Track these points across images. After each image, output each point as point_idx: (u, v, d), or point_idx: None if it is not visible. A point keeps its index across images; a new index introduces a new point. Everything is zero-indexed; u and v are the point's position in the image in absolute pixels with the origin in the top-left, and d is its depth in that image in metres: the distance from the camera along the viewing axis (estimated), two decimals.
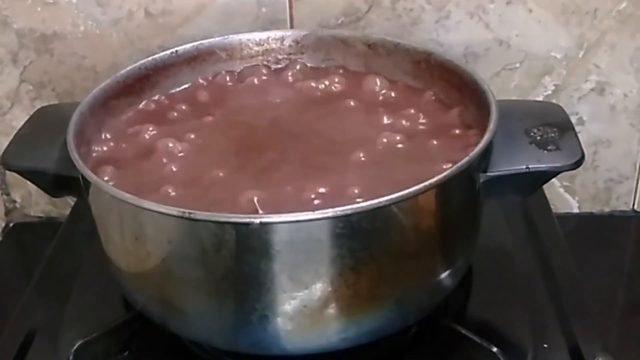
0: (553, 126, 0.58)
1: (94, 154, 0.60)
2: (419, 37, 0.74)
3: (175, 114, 0.65)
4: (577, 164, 0.55)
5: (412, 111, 0.63)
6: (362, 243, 0.50)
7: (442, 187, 0.51)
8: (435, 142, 0.59)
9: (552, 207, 0.75)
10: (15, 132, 0.62)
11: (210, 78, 0.69)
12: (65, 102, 0.76)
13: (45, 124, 0.63)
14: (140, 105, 0.66)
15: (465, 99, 0.62)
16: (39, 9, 0.74)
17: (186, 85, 0.69)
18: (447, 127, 0.61)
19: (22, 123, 0.64)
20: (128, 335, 0.60)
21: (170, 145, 0.60)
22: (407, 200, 0.49)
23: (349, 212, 0.48)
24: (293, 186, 0.54)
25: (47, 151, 0.58)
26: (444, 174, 0.50)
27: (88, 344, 0.59)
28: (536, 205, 0.74)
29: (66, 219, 0.76)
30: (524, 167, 0.55)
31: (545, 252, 0.68)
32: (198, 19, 0.74)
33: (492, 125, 0.54)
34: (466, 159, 0.51)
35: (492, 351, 0.56)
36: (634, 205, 0.82)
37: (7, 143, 0.61)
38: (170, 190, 0.55)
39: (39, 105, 0.74)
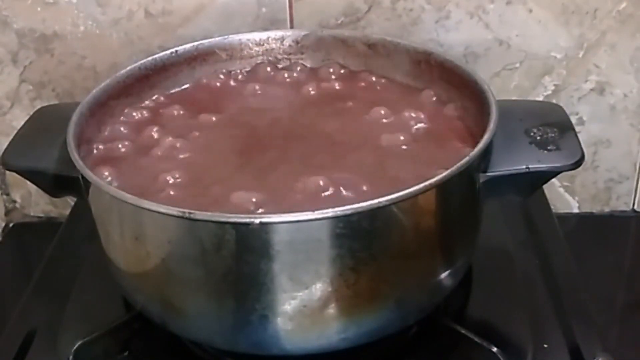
0: (553, 126, 0.58)
1: (94, 154, 0.60)
2: (419, 37, 0.74)
3: (175, 114, 0.65)
4: (577, 164, 0.55)
5: (412, 111, 0.63)
6: (362, 243, 0.50)
7: (442, 187, 0.51)
8: (435, 142, 0.59)
9: (552, 207, 0.75)
10: (15, 132, 0.62)
11: (210, 78, 0.69)
12: (65, 102, 0.76)
13: (45, 124, 0.63)
14: (140, 105, 0.66)
15: (465, 99, 0.62)
16: (39, 9, 0.74)
17: (186, 85, 0.69)
18: (447, 127, 0.61)
19: (22, 123, 0.64)
20: (128, 335, 0.60)
21: (170, 145, 0.60)
22: (407, 200, 0.49)
23: (349, 212, 0.48)
24: (293, 186, 0.54)
25: (47, 151, 0.58)
26: (444, 173, 0.50)
27: (88, 344, 0.59)
28: (536, 205, 0.74)
29: (66, 219, 0.76)
30: (524, 167, 0.55)
31: (545, 252, 0.69)
32: (198, 19, 0.74)
33: (492, 125, 0.54)
34: (466, 159, 0.51)
35: (492, 351, 0.56)
36: (634, 205, 0.82)
37: (7, 143, 0.61)
38: (170, 190, 0.55)
39: (39, 105, 0.74)
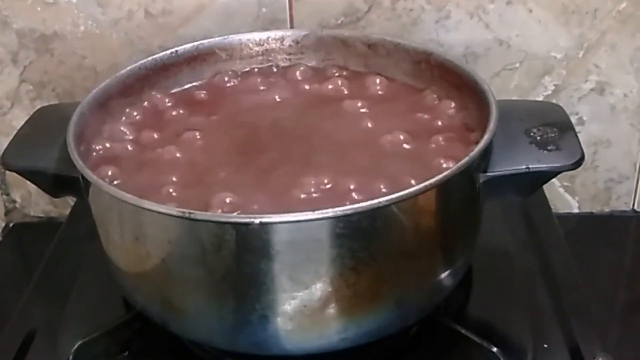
0: (553, 126, 0.58)
1: (94, 154, 0.60)
2: (419, 37, 0.74)
3: (175, 114, 0.65)
4: (577, 164, 0.55)
5: (412, 111, 0.63)
6: (362, 243, 0.50)
7: (442, 187, 0.51)
8: (435, 142, 0.59)
9: (552, 207, 0.75)
10: (15, 132, 0.62)
11: (210, 78, 0.69)
12: (65, 102, 0.76)
13: (45, 124, 0.63)
14: (140, 105, 0.66)
15: (465, 99, 0.62)
16: (39, 9, 0.74)
17: (186, 85, 0.69)
18: (447, 127, 0.61)
19: (22, 123, 0.64)
20: (128, 335, 0.60)
21: (170, 145, 0.60)
22: (407, 200, 0.49)
23: (349, 212, 0.48)
24: (293, 186, 0.54)
25: (47, 151, 0.58)
26: (444, 173, 0.50)
27: (88, 344, 0.59)
28: (536, 205, 0.74)
29: (66, 219, 0.76)
30: (524, 167, 0.55)
31: (545, 252, 0.68)
32: (198, 19, 0.74)
33: (492, 125, 0.54)
34: (466, 158, 0.51)
35: (492, 351, 0.56)
36: (634, 205, 0.82)
37: (7, 143, 0.61)
38: (170, 190, 0.55)
39: (39, 105, 0.74)
